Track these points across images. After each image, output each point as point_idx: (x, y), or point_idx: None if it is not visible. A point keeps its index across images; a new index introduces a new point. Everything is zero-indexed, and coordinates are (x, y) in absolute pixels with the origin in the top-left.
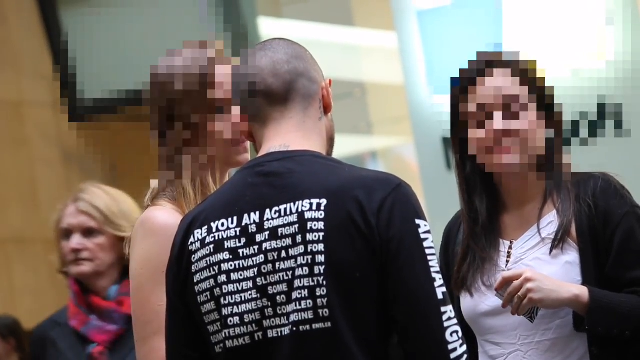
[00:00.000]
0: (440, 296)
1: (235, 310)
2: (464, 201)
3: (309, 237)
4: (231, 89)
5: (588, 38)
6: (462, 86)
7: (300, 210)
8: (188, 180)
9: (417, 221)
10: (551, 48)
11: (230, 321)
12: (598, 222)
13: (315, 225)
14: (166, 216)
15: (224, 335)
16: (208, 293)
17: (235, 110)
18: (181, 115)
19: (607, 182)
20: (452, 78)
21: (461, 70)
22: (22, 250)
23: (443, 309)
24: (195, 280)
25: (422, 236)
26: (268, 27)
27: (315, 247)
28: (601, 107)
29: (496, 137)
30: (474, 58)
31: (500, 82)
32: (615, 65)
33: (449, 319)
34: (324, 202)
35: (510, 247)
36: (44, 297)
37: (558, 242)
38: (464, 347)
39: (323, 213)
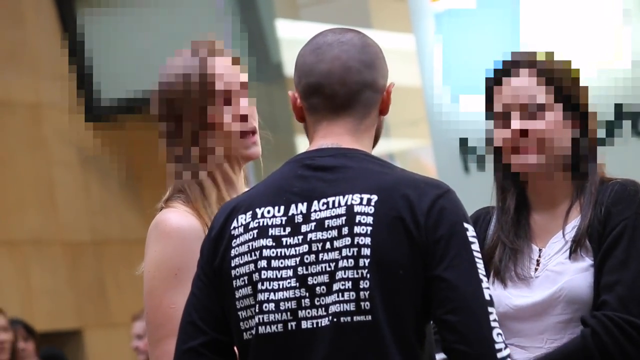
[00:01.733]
0: (487, 297)
1: (272, 297)
2: (497, 198)
3: (357, 229)
4: (295, 71)
5: (605, 39)
6: (488, 86)
7: (349, 203)
8: (205, 176)
9: (465, 225)
10: (568, 49)
11: (265, 307)
12: (601, 225)
13: (363, 219)
14: (179, 218)
15: (257, 321)
16: (246, 278)
17: (238, 102)
18: (184, 113)
19: (623, 186)
20: (488, 70)
21: (488, 70)
22: (40, 252)
23: (490, 309)
24: (232, 264)
25: (470, 239)
26: (285, 29)
27: (362, 240)
28: (618, 108)
29: (514, 137)
30: (491, 60)
31: (520, 82)
32: (633, 66)
33: (495, 320)
34: (374, 197)
35: (539, 255)
36: (61, 299)
37: (575, 247)
38: (508, 350)
39: (373, 208)
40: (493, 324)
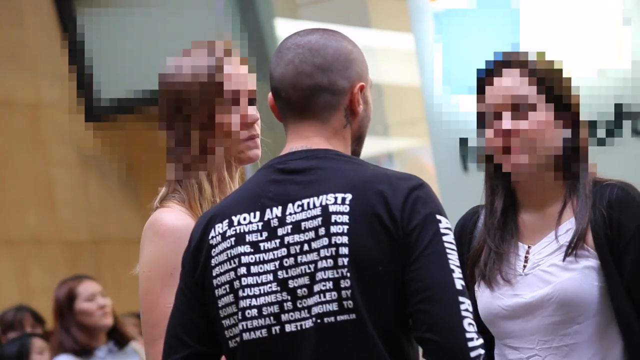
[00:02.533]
0: (459, 286)
1: (254, 302)
2: (486, 199)
3: (333, 229)
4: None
5: (605, 39)
6: (478, 86)
7: (324, 203)
8: (204, 176)
9: (438, 216)
10: (568, 49)
11: (248, 313)
12: (613, 232)
13: (339, 219)
14: (174, 218)
15: (240, 328)
16: (227, 286)
17: (245, 103)
18: (192, 112)
19: (624, 190)
20: (479, 69)
21: (479, 70)
22: (39, 252)
23: (461, 299)
24: (213, 274)
25: (442, 230)
26: (284, 29)
27: (339, 239)
28: (618, 109)
29: (503, 137)
30: (490, 59)
31: (509, 82)
32: (633, 66)
33: (467, 310)
34: (349, 196)
35: (527, 252)
36: None
37: (572, 249)
38: (481, 340)
39: (348, 207)
40: (464, 313)
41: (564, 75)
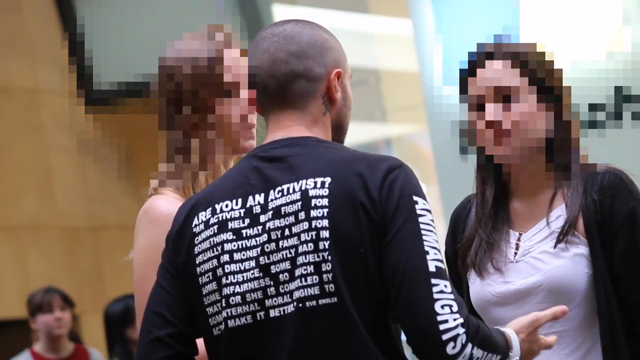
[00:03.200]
0: (432, 268)
1: (237, 289)
2: (477, 188)
3: (313, 213)
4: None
5: (605, 25)
6: (462, 78)
7: (303, 188)
8: (198, 164)
9: (415, 198)
10: (568, 33)
11: (232, 300)
12: (604, 218)
13: (319, 202)
14: (169, 205)
15: (225, 315)
16: (210, 273)
17: (244, 94)
18: (190, 100)
19: (616, 175)
20: (462, 61)
21: (462, 62)
22: (37, 238)
23: (434, 281)
24: (197, 262)
25: (419, 212)
26: (283, 15)
27: (319, 223)
28: (618, 92)
29: (488, 127)
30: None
31: (492, 74)
32: (632, 50)
33: (442, 292)
34: (328, 180)
35: (519, 239)
36: (58, 285)
37: (563, 236)
38: (457, 322)
39: (327, 190)
40: (438, 295)
41: (561, 62)
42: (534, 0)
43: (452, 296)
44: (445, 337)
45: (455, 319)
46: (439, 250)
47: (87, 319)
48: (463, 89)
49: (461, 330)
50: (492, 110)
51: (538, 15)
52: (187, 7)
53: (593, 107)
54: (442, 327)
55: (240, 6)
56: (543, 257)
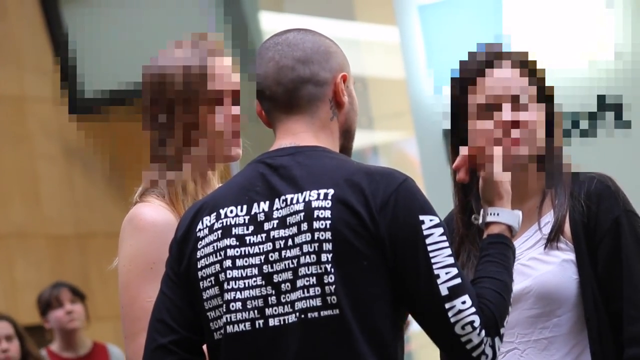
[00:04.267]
0: (444, 292)
1: (238, 295)
2: (458, 200)
3: (316, 224)
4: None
5: (588, 30)
6: (469, 78)
7: (307, 199)
8: (188, 174)
9: (422, 217)
10: (551, 41)
11: (232, 306)
12: (590, 223)
13: (322, 214)
14: (154, 213)
15: (225, 320)
16: (212, 278)
17: (229, 103)
18: (176, 110)
19: (602, 183)
20: (453, 70)
21: (466, 62)
22: (24, 245)
23: (448, 305)
24: (199, 266)
25: (425, 232)
26: (269, 22)
27: (322, 235)
28: (601, 100)
29: (505, 128)
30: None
31: (510, 75)
32: (615, 57)
33: (459, 312)
34: (331, 191)
35: None
36: None
37: (552, 239)
38: (481, 335)
39: (330, 202)
40: (455, 317)
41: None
42: (518, 9)
43: (471, 310)
44: (475, 354)
45: (478, 334)
46: (452, 264)
47: None
48: (471, 89)
49: (486, 339)
50: (511, 110)
51: (522, 24)
52: (173, 15)
53: (576, 115)
54: (468, 347)
55: (226, 13)
56: (531, 264)
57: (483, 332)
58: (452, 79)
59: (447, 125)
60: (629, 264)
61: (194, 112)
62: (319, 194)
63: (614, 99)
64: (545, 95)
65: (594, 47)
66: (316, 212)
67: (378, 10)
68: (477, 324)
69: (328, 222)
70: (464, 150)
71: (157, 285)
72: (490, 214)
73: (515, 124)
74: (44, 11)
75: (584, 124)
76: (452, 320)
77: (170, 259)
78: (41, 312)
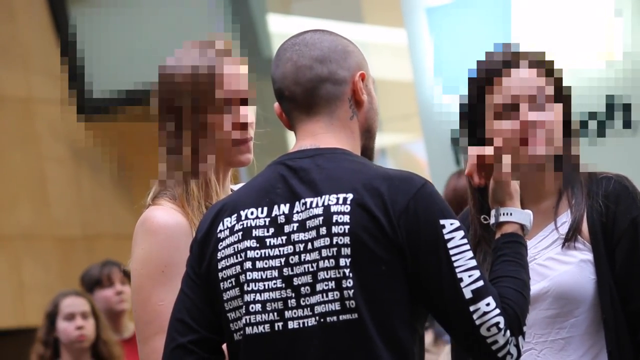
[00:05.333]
0: (468, 295)
1: (258, 297)
2: (474, 201)
3: (335, 229)
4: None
5: (597, 34)
6: (487, 78)
7: (326, 204)
8: (191, 177)
9: (442, 221)
10: (560, 44)
11: (252, 308)
12: (608, 223)
13: (341, 219)
14: (166, 215)
15: (244, 322)
16: (233, 279)
17: (237, 110)
18: (184, 112)
19: (620, 184)
20: (470, 69)
21: (484, 62)
22: (32, 247)
23: (473, 307)
24: (219, 267)
25: (446, 236)
26: (277, 24)
27: (341, 240)
28: (610, 101)
29: (525, 128)
30: (483, 55)
31: (530, 75)
32: (624, 58)
33: (483, 314)
34: (350, 196)
35: None
36: (53, 294)
37: (570, 239)
38: (507, 335)
39: (349, 207)
40: (480, 319)
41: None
42: (527, 11)
43: (496, 312)
44: (501, 354)
45: (504, 334)
46: (474, 266)
47: None
48: (489, 89)
49: (511, 339)
50: (534, 110)
51: (530, 26)
52: (181, 17)
53: (584, 117)
54: (494, 347)
55: (234, 15)
56: (549, 264)
57: (508, 332)
58: (469, 79)
59: (456, 127)
60: None
61: (201, 116)
62: (337, 199)
63: (623, 100)
64: (562, 95)
65: (602, 48)
66: (335, 217)
67: (386, 12)
68: (502, 324)
69: (347, 227)
70: (472, 151)
71: (168, 289)
72: (503, 214)
73: (534, 123)
74: (52, 13)
75: (592, 125)
76: (478, 322)
77: (191, 258)
78: (86, 290)
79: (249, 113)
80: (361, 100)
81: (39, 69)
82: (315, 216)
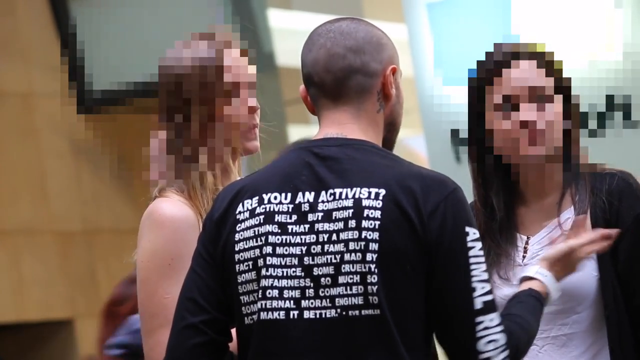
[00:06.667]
0: (478, 306)
1: (276, 283)
2: (479, 196)
3: (365, 224)
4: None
5: (597, 30)
6: (486, 77)
7: (357, 196)
8: (205, 167)
9: (467, 229)
10: (560, 39)
11: (269, 293)
12: (611, 220)
13: (372, 214)
14: (173, 208)
15: (259, 307)
16: (250, 263)
17: (245, 94)
18: (192, 103)
19: (624, 180)
20: (470, 69)
21: (484, 62)
22: (31, 242)
23: (479, 319)
24: (236, 249)
25: (469, 244)
26: (277, 19)
27: (370, 235)
28: (610, 99)
29: (523, 127)
30: (483, 50)
31: (526, 73)
32: (624, 57)
33: (486, 328)
34: (382, 192)
35: (527, 243)
36: (52, 289)
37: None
38: (503, 355)
39: (381, 202)
40: (482, 332)
41: (558, 66)
42: (527, 7)
43: (497, 329)
44: None
45: (500, 353)
46: (487, 279)
47: (81, 323)
48: (488, 89)
49: None
50: (528, 110)
51: (530, 21)
52: (181, 12)
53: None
54: None
55: (234, 10)
56: None
57: (505, 353)
58: (469, 79)
59: (456, 123)
60: None
61: (210, 106)
62: (369, 193)
63: (623, 99)
64: (563, 91)
65: (603, 46)
66: (366, 211)
67: (386, 7)
68: (500, 343)
69: (377, 222)
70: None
71: (175, 281)
72: (539, 273)
73: (528, 123)
74: (52, 7)
75: (592, 124)
76: (479, 335)
77: (205, 238)
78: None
79: (252, 103)
80: (390, 95)
81: (39, 63)
82: (345, 208)
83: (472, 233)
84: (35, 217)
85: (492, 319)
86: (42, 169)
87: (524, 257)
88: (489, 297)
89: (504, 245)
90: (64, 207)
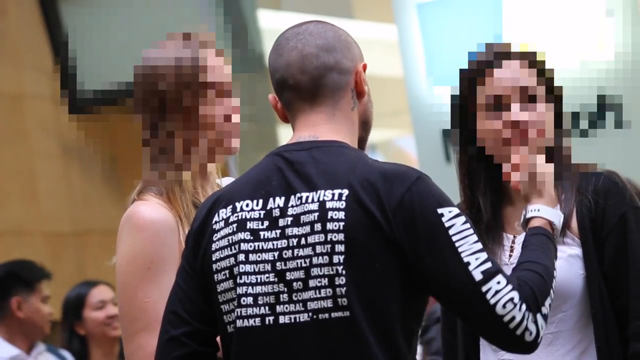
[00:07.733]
0: (478, 277)
1: (250, 290)
2: (465, 197)
3: (329, 226)
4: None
5: (588, 30)
6: (473, 77)
7: (321, 199)
8: (185, 169)
9: (440, 210)
10: (551, 40)
11: (244, 300)
12: (597, 218)
13: (336, 215)
14: (152, 211)
15: (236, 314)
16: (227, 271)
17: (221, 94)
18: (171, 105)
19: (610, 179)
20: (461, 69)
21: (473, 62)
22: (21, 243)
23: (485, 288)
24: (213, 259)
25: (447, 224)
26: (267, 20)
27: (335, 237)
28: (601, 100)
29: (514, 127)
30: (474, 50)
31: (516, 73)
32: (615, 58)
33: (496, 292)
34: (345, 192)
35: (513, 242)
36: None
37: (560, 234)
38: (522, 309)
39: (344, 203)
40: (494, 298)
41: (548, 67)
42: (518, 7)
43: (508, 288)
44: (519, 332)
45: (519, 309)
46: (480, 249)
47: None
48: (471, 90)
49: (527, 314)
50: (518, 110)
51: (521, 22)
52: (173, 14)
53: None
54: (511, 325)
55: (225, 11)
56: None
57: (524, 306)
58: (460, 79)
59: (446, 123)
60: (635, 259)
61: (190, 106)
62: (333, 194)
63: (614, 100)
64: (553, 94)
65: (594, 47)
66: (330, 213)
67: (376, 8)
68: (516, 299)
69: (341, 223)
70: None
71: (155, 285)
72: (531, 210)
73: (523, 123)
74: (43, 10)
75: (583, 124)
76: (492, 301)
77: (186, 251)
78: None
79: (232, 103)
80: (363, 91)
81: (30, 65)
82: (310, 211)
83: (448, 212)
84: (25, 218)
85: (498, 282)
86: (32, 170)
87: (510, 256)
88: (486, 265)
89: (491, 245)
90: (54, 208)
